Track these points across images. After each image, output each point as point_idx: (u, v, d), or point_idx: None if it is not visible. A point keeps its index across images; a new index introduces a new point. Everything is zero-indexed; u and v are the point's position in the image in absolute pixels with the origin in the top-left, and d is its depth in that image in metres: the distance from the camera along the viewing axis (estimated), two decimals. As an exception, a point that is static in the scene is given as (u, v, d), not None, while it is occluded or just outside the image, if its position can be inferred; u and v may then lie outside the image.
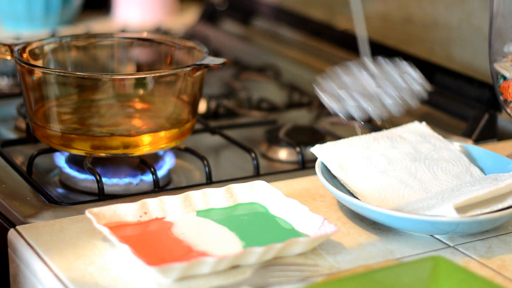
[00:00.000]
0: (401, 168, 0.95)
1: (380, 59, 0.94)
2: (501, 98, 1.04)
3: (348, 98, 0.89)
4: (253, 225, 0.87)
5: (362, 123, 0.89)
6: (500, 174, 0.94)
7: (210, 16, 1.71)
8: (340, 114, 0.90)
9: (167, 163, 1.06)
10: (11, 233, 0.87)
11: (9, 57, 1.02)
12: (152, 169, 0.99)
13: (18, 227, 0.87)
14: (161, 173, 1.03)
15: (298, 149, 1.09)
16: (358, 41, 0.93)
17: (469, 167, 0.97)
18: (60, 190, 1.02)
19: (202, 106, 1.27)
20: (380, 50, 1.37)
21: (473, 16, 1.22)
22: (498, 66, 1.03)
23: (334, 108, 0.90)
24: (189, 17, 1.78)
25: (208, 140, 1.18)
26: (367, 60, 0.92)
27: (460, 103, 1.20)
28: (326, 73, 0.94)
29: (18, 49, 1.01)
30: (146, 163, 1.00)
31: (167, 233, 0.85)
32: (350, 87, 0.91)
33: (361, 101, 0.88)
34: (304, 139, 1.14)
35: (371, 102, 0.87)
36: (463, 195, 0.88)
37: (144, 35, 1.14)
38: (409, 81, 0.90)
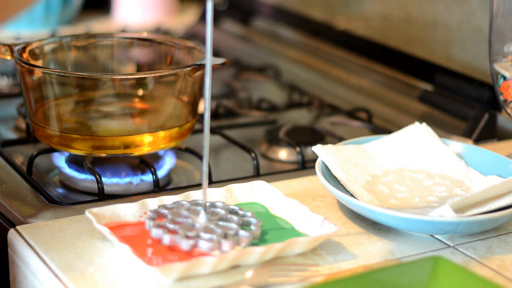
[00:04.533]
0: (401, 178, 0.96)
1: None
2: (501, 98, 1.04)
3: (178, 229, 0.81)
4: (253, 225, 0.87)
5: None
6: (499, 178, 0.94)
7: (210, 16, 1.71)
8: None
9: (167, 163, 1.06)
10: (11, 233, 0.87)
11: (9, 57, 1.02)
12: (152, 169, 0.99)
13: (18, 227, 0.87)
14: (161, 173, 1.03)
15: (298, 149, 1.09)
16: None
17: (468, 173, 0.96)
18: (60, 190, 1.02)
19: (202, 106, 1.27)
20: (380, 50, 1.38)
21: (473, 16, 1.22)
22: (498, 66, 1.03)
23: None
24: (189, 17, 1.78)
25: (208, 140, 1.17)
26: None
27: (460, 103, 1.19)
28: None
29: (18, 49, 1.01)
30: (146, 163, 1.00)
31: (167, 233, 0.85)
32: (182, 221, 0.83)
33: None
34: (304, 139, 1.14)
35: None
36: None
37: (144, 35, 1.14)
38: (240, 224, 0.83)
